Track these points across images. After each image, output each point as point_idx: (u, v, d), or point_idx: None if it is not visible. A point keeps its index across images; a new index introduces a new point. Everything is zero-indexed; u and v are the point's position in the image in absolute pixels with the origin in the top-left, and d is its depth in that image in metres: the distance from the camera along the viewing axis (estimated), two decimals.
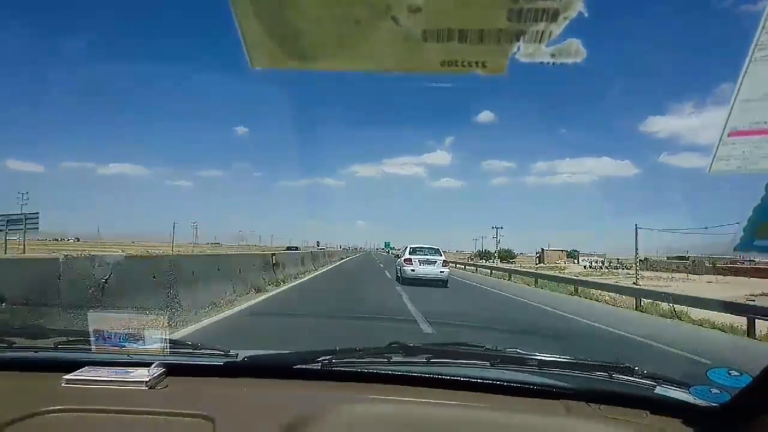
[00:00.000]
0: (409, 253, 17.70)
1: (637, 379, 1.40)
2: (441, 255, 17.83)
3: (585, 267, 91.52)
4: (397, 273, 19.02)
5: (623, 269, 77.80)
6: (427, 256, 17.35)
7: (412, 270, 16.90)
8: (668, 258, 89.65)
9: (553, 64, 0.56)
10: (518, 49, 0.55)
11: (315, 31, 0.55)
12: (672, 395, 1.32)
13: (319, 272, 22.26)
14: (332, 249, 66.18)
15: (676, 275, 66.72)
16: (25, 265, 5.52)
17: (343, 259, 44.39)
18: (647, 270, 72.70)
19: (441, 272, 17.12)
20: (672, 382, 1.36)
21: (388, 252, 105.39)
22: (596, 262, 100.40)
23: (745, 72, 0.66)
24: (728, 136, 0.67)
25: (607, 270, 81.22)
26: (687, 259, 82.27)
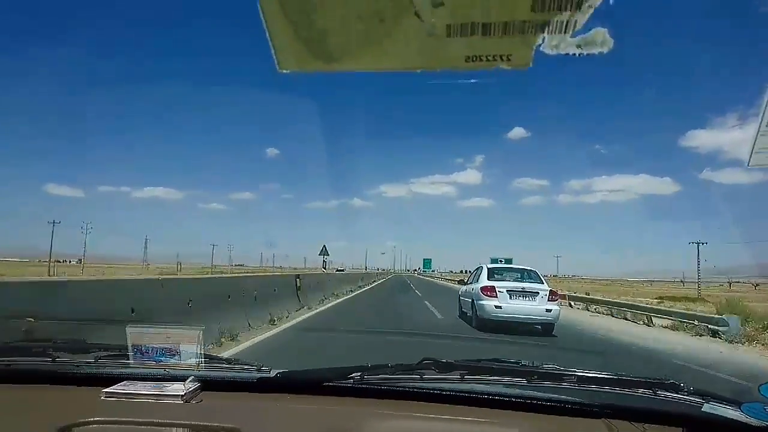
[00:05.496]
0: (489, 278, 10.88)
1: (683, 396, 1.33)
2: (543, 282, 11.02)
3: None
4: (462, 309, 12.51)
5: None
6: (521, 284, 10.67)
7: (497, 306, 10.14)
8: None
9: (580, 55, 0.55)
10: (543, 40, 0.55)
11: (340, 31, 0.56)
12: (721, 413, 1.24)
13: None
14: (357, 271, 50.41)
15: None
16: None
17: (354, 290, 24.13)
18: None
19: (548, 311, 10.17)
20: (721, 399, 1.29)
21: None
22: None
23: None
24: (767, 126, 0.64)
25: None
26: None
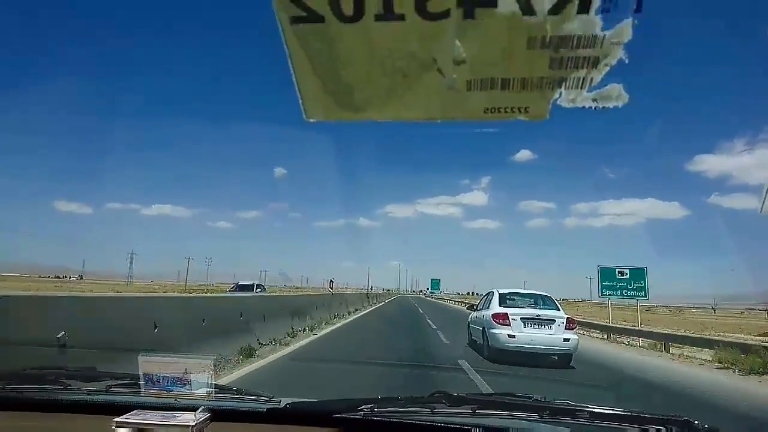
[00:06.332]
0: (501, 304, 10.09)
1: None
2: (559, 308, 10.21)
3: None
4: (471, 337, 11.46)
5: None
6: (536, 310, 9.80)
7: (511, 336, 9.23)
8: None
9: (596, 109, 0.58)
10: (560, 95, 0.57)
11: (365, 85, 0.59)
12: None
13: None
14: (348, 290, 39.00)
15: None
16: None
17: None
18: None
19: (565, 340, 9.32)
20: None
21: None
22: None
23: None
24: None
25: None
26: None
